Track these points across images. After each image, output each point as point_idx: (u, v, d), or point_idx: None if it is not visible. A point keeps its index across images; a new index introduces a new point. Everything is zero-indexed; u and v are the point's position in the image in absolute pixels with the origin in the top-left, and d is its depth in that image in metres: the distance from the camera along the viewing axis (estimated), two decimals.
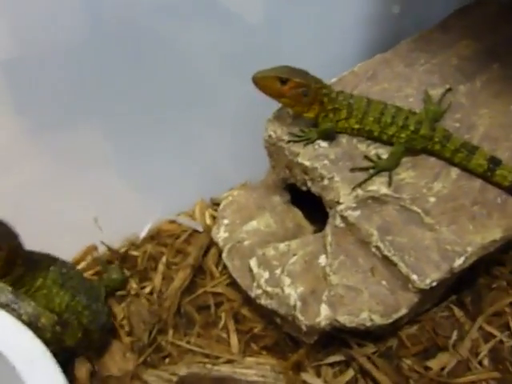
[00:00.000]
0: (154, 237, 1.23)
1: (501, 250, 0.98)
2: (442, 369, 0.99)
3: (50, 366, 0.79)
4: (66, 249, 1.12)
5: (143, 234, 1.22)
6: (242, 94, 1.14)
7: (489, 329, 1.03)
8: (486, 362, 1.00)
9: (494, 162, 0.98)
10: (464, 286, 1.08)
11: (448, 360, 1.00)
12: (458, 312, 1.06)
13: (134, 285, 1.13)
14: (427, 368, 1.00)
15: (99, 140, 1.15)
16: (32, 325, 0.90)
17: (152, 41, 1.07)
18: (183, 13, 1.08)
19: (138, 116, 1.14)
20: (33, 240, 1.10)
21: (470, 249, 0.93)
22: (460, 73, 1.15)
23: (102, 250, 1.21)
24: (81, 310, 1.00)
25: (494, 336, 1.03)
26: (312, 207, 1.11)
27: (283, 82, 0.99)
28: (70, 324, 0.97)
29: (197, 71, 1.16)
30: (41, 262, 1.02)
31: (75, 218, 1.16)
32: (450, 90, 1.12)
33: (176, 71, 1.13)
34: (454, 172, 1.01)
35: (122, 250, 1.18)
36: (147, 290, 1.13)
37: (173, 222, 1.27)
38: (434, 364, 1.00)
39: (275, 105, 1.06)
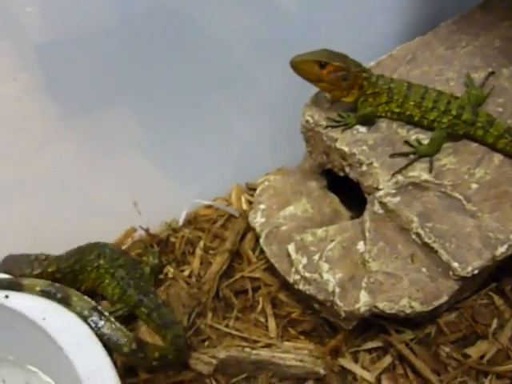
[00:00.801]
0: (191, 221, 1.24)
1: None
2: (482, 357, 0.98)
3: (96, 347, 0.82)
4: (105, 233, 1.14)
5: (181, 219, 1.23)
6: (279, 79, 1.13)
7: None
8: None
9: None
10: (504, 273, 1.06)
11: (487, 348, 0.99)
12: (497, 300, 1.05)
13: (171, 268, 1.15)
14: (466, 355, 0.99)
15: (137, 124, 1.15)
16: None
17: (189, 25, 1.06)
18: None
19: (176, 101, 1.14)
20: (73, 224, 1.13)
21: None
22: (503, 55, 1.12)
23: (140, 234, 1.22)
24: (133, 305, 1.01)
25: None
26: (349, 193, 1.10)
27: (322, 65, 0.98)
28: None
29: (234, 56, 1.15)
30: (86, 257, 1.04)
31: (114, 202, 1.18)
32: (493, 73, 1.09)
33: (213, 56, 1.12)
34: (497, 158, 0.99)
35: (162, 235, 1.20)
36: (186, 273, 1.14)
37: (209, 206, 1.27)
38: (473, 352, 0.99)
39: (313, 89, 1.05)
